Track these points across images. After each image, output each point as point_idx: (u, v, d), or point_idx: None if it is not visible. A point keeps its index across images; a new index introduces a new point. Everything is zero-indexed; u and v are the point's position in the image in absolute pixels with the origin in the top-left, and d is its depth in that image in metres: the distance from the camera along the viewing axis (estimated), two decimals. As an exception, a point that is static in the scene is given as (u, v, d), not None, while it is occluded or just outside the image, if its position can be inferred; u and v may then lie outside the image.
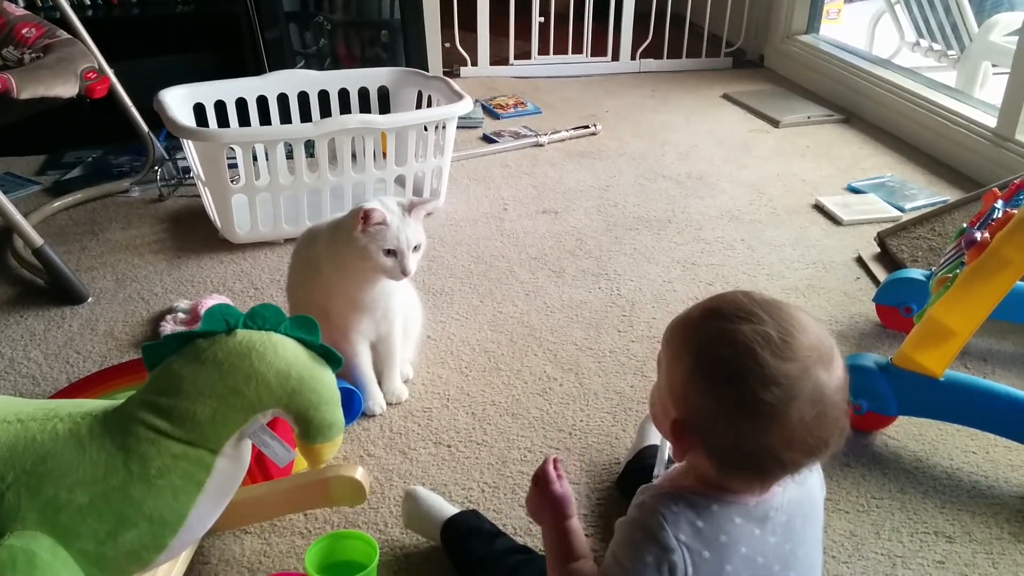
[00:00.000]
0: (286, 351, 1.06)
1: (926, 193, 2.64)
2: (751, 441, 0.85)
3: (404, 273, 1.53)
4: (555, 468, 1.08)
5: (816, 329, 0.87)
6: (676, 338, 0.92)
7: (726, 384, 0.85)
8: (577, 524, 1.06)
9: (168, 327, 1.89)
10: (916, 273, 1.88)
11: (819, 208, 2.56)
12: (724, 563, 0.88)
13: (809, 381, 0.83)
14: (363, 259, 1.52)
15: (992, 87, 3.48)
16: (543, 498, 1.06)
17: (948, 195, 2.62)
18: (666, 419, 0.92)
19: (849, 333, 1.94)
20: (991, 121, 2.75)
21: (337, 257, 1.56)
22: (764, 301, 0.88)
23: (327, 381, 1.09)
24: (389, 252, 1.51)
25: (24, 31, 2.20)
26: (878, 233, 2.29)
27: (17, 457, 1.00)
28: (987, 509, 1.45)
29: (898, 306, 1.90)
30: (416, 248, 1.54)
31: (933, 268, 1.81)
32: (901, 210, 2.51)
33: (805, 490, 0.95)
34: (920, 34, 3.93)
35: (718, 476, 0.90)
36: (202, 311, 1.84)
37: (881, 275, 2.13)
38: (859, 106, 3.38)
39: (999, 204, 1.60)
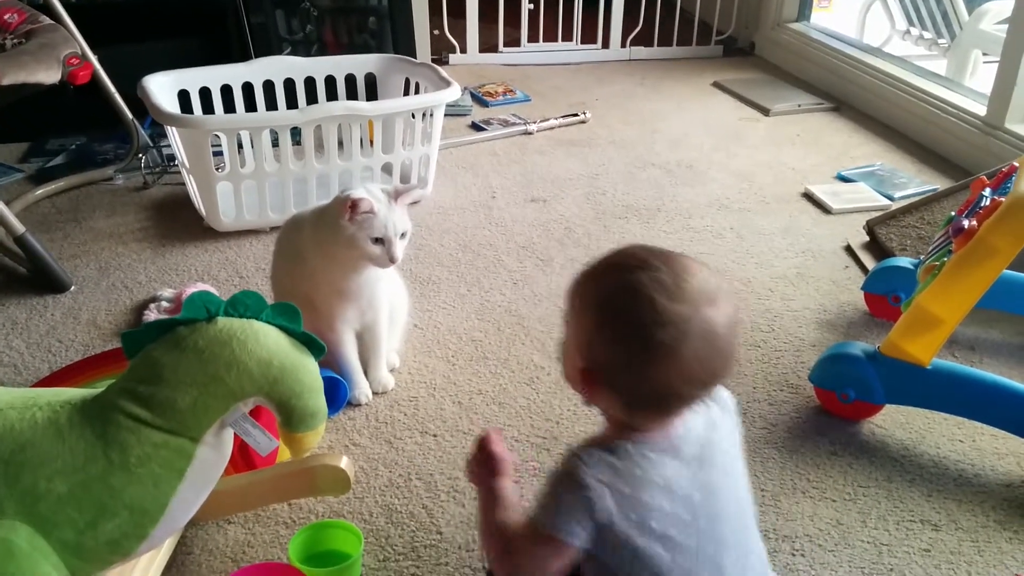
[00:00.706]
0: (268, 339, 1.05)
1: (916, 182, 2.64)
2: (652, 379, 0.91)
3: (391, 260, 1.52)
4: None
5: (704, 273, 0.93)
6: (580, 291, 0.98)
7: (626, 329, 0.91)
8: (512, 484, 1.08)
9: (152, 316, 1.88)
10: (905, 262, 1.88)
11: (809, 197, 2.56)
12: (641, 494, 0.94)
13: (699, 320, 0.90)
14: (350, 247, 1.51)
15: (982, 75, 3.48)
16: (483, 457, 1.10)
17: (938, 183, 2.62)
18: (574, 370, 0.98)
19: (837, 322, 1.94)
20: (981, 109, 2.75)
21: (322, 245, 1.55)
22: (658, 251, 0.95)
23: (309, 369, 1.08)
24: (376, 240, 1.51)
25: (6, 16, 2.18)
26: (867, 222, 2.29)
27: (-6, 446, 0.98)
28: (973, 497, 1.45)
29: (886, 295, 1.90)
30: (403, 235, 1.54)
31: (922, 256, 1.81)
32: (891, 199, 2.51)
33: (716, 430, 1.01)
34: (911, 22, 3.93)
35: (626, 415, 0.96)
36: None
37: (870, 264, 2.13)
38: (849, 94, 3.38)
39: (987, 192, 1.59)
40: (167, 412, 1.02)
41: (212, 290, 1.93)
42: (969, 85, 3.19)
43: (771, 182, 2.67)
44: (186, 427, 1.03)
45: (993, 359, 1.81)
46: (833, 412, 1.63)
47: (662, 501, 0.94)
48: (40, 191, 2.49)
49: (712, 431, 1.00)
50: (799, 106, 3.32)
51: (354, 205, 1.48)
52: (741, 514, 1.01)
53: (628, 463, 0.94)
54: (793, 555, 1.32)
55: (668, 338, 0.89)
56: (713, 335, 0.91)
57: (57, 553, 0.99)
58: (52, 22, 2.20)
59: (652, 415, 0.96)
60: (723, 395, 1.05)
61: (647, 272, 0.91)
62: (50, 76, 1.99)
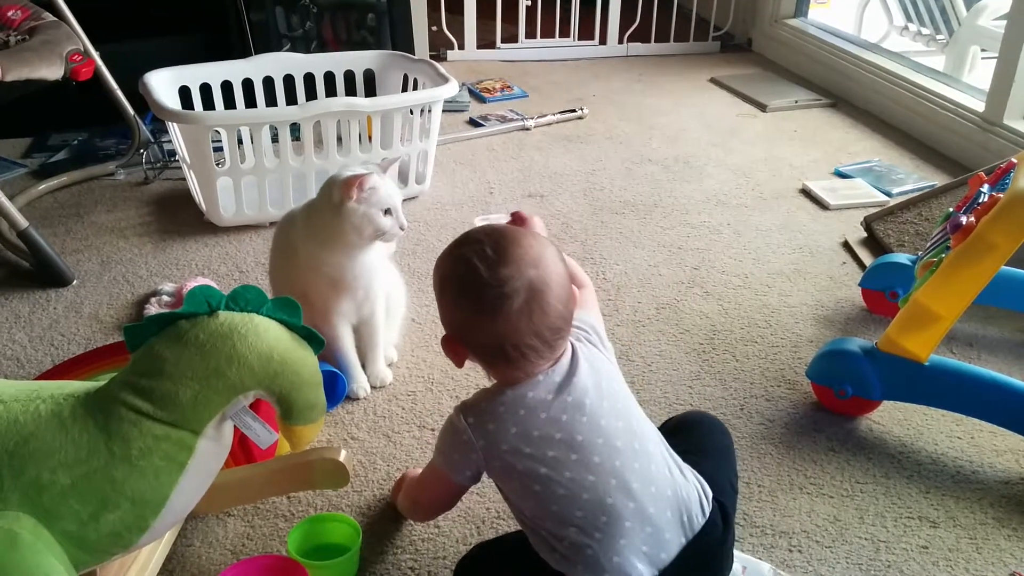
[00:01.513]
0: (268, 333, 1.06)
1: (913, 178, 2.64)
2: (488, 334, 1.06)
3: (402, 228, 1.56)
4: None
5: (529, 242, 1.08)
6: (434, 271, 1.14)
7: (458, 295, 1.09)
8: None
9: (153, 310, 1.89)
10: (902, 258, 1.89)
11: (806, 193, 2.56)
12: (508, 426, 1.08)
13: (521, 280, 1.04)
14: (362, 226, 1.52)
15: (980, 71, 3.49)
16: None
17: (935, 180, 2.62)
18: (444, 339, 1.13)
19: (835, 318, 1.94)
20: (979, 105, 2.76)
21: (320, 236, 1.56)
22: (491, 230, 1.11)
23: (309, 362, 1.09)
24: (386, 212, 1.53)
25: (9, 13, 2.19)
26: (865, 218, 2.30)
27: (-1, 438, 0.99)
28: (971, 494, 1.45)
29: (884, 291, 1.90)
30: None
31: (919, 253, 1.81)
32: (888, 195, 2.52)
33: (579, 357, 1.13)
34: (909, 18, 3.94)
35: (489, 371, 1.13)
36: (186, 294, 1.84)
37: (867, 260, 2.14)
38: (847, 90, 3.38)
39: (985, 188, 1.60)
40: (169, 405, 1.02)
41: (212, 284, 1.94)
42: (967, 81, 3.19)
43: (768, 178, 2.67)
44: (187, 420, 1.04)
45: (991, 355, 1.81)
46: (830, 408, 1.63)
47: (529, 428, 1.08)
48: (43, 186, 2.49)
49: (577, 359, 1.12)
50: (796, 102, 3.32)
51: (361, 182, 1.50)
52: (628, 424, 1.12)
53: (493, 403, 1.10)
54: (790, 551, 1.33)
55: (492, 296, 1.04)
56: (536, 292, 1.05)
57: (60, 544, 0.99)
58: (55, 19, 2.22)
59: (504, 367, 1.10)
60: (588, 324, 1.19)
61: (473, 246, 1.07)
62: (53, 72, 2.00)
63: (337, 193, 1.52)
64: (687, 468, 1.16)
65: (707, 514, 1.13)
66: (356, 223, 1.52)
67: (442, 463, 1.15)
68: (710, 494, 1.15)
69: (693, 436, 1.28)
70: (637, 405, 1.16)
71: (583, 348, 1.14)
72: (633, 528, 1.07)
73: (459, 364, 1.14)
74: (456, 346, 1.12)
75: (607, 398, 1.12)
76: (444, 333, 1.12)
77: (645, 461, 1.10)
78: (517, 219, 1.31)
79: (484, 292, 1.05)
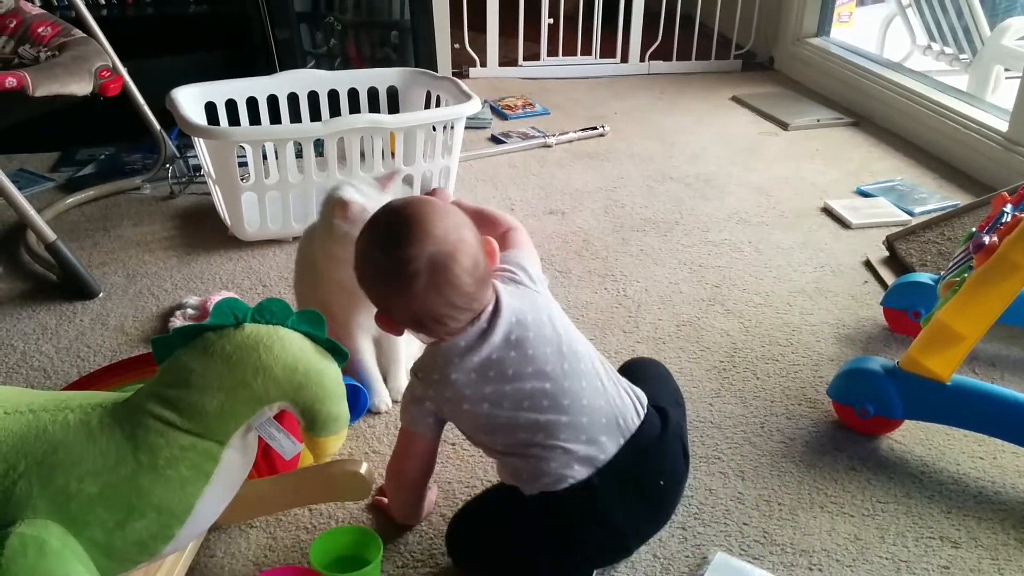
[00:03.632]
0: (293, 345, 1.07)
1: (936, 197, 2.64)
2: (404, 310, 1.17)
3: None
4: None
5: (431, 218, 1.14)
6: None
7: (367, 279, 1.19)
8: None
9: (178, 323, 1.91)
10: (924, 277, 1.88)
11: (828, 211, 2.56)
12: (448, 373, 1.19)
13: (422, 259, 1.11)
14: (346, 244, 1.52)
15: (1004, 91, 3.47)
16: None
17: (958, 199, 2.61)
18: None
19: (856, 337, 1.94)
20: (1003, 125, 2.75)
21: (329, 250, 1.57)
22: (394, 211, 1.18)
23: (333, 375, 1.10)
24: None
25: (40, 30, 2.22)
26: (887, 237, 2.29)
27: (28, 447, 1.00)
28: (993, 515, 1.44)
29: (906, 310, 1.89)
30: None
31: (942, 272, 1.81)
32: (911, 214, 2.51)
33: (520, 311, 1.21)
34: (932, 38, 3.92)
35: (422, 333, 1.22)
36: (211, 307, 1.85)
37: (889, 279, 2.13)
38: (869, 109, 3.38)
39: (1008, 208, 1.60)
40: (195, 416, 1.04)
41: (237, 298, 1.95)
42: (991, 101, 3.18)
43: (790, 196, 2.67)
44: (213, 431, 1.05)
45: (1014, 376, 1.80)
46: (852, 427, 1.63)
47: (466, 372, 1.19)
48: (70, 200, 2.53)
49: (500, 301, 1.20)
50: (818, 121, 3.32)
51: (343, 207, 1.51)
52: (557, 348, 1.22)
53: (433, 358, 1.21)
54: (811, 569, 1.33)
55: (396, 278, 1.13)
56: (440, 267, 1.12)
57: (87, 552, 1.01)
58: (84, 35, 2.25)
59: (430, 331, 1.20)
60: (514, 264, 1.27)
61: (373, 232, 1.17)
62: (82, 88, 2.03)
63: (328, 209, 1.55)
64: (622, 381, 1.30)
65: (642, 416, 1.27)
66: (339, 238, 1.53)
67: (406, 422, 1.27)
68: (644, 400, 1.30)
69: (636, 373, 1.44)
70: (571, 325, 1.27)
71: (505, 288, 1.23)
72: (568, 439, 1.20)
73: (397, 334, 1.26)
74: (385, 320, 1.22)
75: (532, 328, 1.21)
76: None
77: (576, 378, 1.22)
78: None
79: (388, 275, 1.14)
